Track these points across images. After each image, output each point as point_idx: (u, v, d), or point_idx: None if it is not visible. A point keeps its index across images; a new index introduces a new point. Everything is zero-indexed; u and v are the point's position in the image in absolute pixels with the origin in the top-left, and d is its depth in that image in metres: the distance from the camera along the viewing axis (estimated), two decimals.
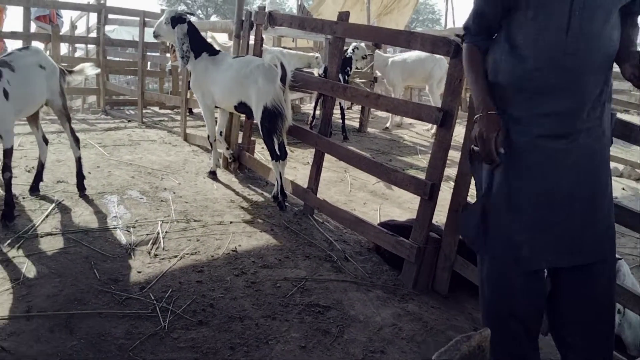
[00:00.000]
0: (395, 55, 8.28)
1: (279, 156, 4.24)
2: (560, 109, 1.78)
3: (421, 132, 8.48)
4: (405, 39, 3.47)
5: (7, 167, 3.37)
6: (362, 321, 2.74)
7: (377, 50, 8.28)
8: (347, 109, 10.40)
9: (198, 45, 4.54)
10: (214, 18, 53.09)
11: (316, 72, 5.93)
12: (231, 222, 3.87)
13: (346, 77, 6.74)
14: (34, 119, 3.95)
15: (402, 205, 4.80)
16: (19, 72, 3.43)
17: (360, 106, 8.21)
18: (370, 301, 2.97)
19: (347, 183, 5.25)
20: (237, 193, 4.55)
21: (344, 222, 3.86)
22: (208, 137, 4.88)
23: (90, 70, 4.22)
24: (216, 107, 4.74)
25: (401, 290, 3.13)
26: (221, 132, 4.89)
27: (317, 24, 4.24)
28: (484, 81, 1.91)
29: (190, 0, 52.55)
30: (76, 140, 4.06)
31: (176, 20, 4.47)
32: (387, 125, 8.47)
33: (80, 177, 4.05)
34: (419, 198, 3.22)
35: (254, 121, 4.42)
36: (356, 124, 8.24)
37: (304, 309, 2.80)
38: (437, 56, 7.99)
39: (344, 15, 3.94)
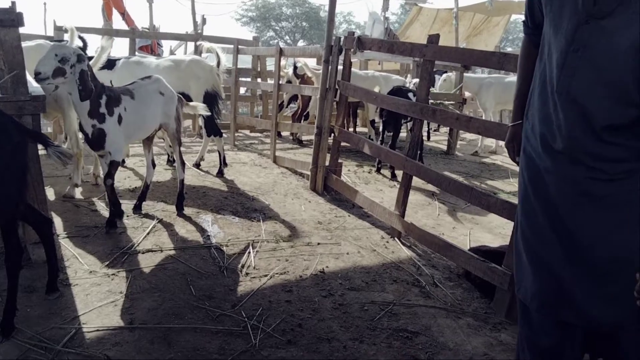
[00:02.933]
0: (490, 77, 8.07)
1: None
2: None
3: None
4: (498, 60, 3.38)
5: (110, 175, 3.66)
6: (452, 349, 2.66)
7: (465, 73, 8.14)
8: (434, 130, 10.26)
9: None
10: (300, 43, 54.60)
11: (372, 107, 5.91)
12: (318, 244, 3.91)
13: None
14: (148, 142, 4.25)
15: (493, 231, 4.63)
16: (139, 99, 3.74)
17: (447, 128, 8.05)
18: (461, 329, 2.88)
19: (435, 207, 5.15)
20: (324, 214, 4.60)
21: (432, 247, 3.78)
22: None
23: (203, 111, 4.51)
24: None
25: (493, 319, 3.01)
26: None
27: (407, 47, 4.25)
28: (521, 85, 1.90)
29: (279, 27, 54.50)
30: (182, 164, 4.31)
31: None
32: (477, 149, 8.25)
33: (180, 198, 4.28)
34: (511, 223, 3.09)
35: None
36: (444, 147, 8.10)
37: (392, 333, 2.76)
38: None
39: (434, 38, 3.92)
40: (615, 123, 1.50)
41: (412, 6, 14.80)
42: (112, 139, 3.53)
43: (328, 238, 4.06)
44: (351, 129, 8.26)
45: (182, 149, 4.31)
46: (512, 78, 8.23)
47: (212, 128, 5.38)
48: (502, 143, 8.41)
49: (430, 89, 6.81)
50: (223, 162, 5.46)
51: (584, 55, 1.50)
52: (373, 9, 12.43)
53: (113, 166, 3.67)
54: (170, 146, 5.66)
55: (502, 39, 19.15)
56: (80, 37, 5.94)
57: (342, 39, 4.93)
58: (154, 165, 4.37)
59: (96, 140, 3.49)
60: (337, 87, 5.05)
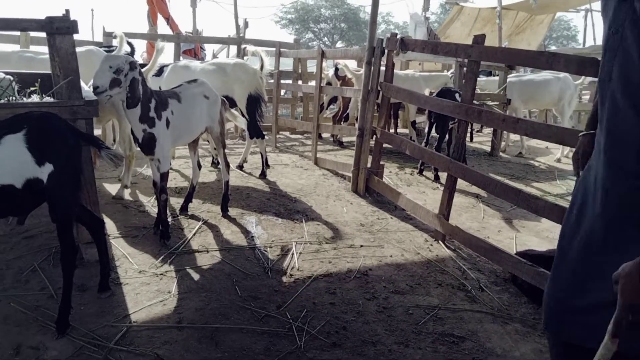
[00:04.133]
0: (510, 77, 7.91)
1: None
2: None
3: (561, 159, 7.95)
4: (547, 60, 3.30)
5: (163, 190, 3.72)
6: (500, 355, 2.61)
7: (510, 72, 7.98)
8: (477, 131, 10.09)
9: None
10: (339, 45, 54.57)
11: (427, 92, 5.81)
12: (361, 246, 3.90)
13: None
14: (193, 145, 4.33)
15: (540, 234, 4.52)
16: (185, 103, 3.81)
17: (491, 129, 7.90)
18: (508, 334, 2.82)
19: (480, 209, 5.06)
20: (366, 217, 4.59)
21: (478, 250, 3.72)
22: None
23: (242, 123, 4.75)
24: None
25: (542, 325, 2.92)
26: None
27: (451, 48, 4.19)
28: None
29: (317, 29, 54.67)
30: (227, 165, 4.37)
31: None
32: (521, 150, 8.07)
33: (225, 199, 4.34)
34: (559, 227, 3.00)
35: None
36: (487, 148, 7.96)
37: (437, 338, 2.73)
38: (562, 74, 7.52)
39: (479, 39, 3.86)
40: None
41: (453, 5, 14.57)
42: (162, 144, 3.59)
43: (371, 240, 4.05)
44: (392, 130, 8.20)
45: (225, 150, 4.38)
46: (531, 75, 8.01)
47: (255, 130, 5.45)
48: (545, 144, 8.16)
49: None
50: (265, 164, 5.53)
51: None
52: (414, 9, 12.31)
53: (163, 178, 3.70)
54: (214, 148, 5.76)
55: (545, 37, 18.66)
56: (129, 43, 6.13)
57: (384, 40, 4.91)
58: (199, 167, 4.45)
59: (147, 145, 3.57)
60: (379, 88, 5.02)
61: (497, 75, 8.55)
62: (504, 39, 14.77)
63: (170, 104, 3.70)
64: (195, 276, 3.24)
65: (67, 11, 3.63)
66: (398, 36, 4.80)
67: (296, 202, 4.79)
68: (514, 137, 9.06)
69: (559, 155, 7.74)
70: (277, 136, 7.64)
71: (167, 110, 3.65)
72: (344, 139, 8.06)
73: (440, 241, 4.10)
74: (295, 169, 5.99)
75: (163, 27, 9.65)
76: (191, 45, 9.68)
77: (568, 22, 44.01)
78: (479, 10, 13.94)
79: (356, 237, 4.10)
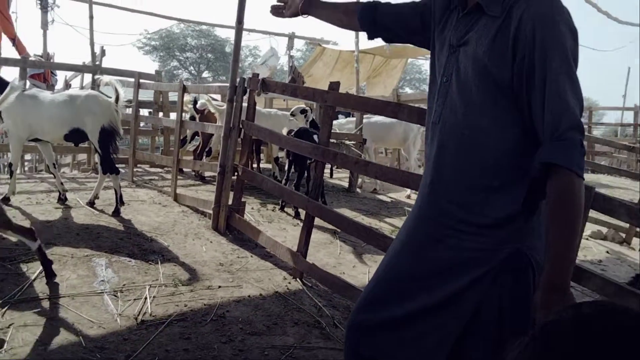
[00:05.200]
0: (367, 117, 8.55)
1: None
2: None
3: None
4: (392, 110, 3.60)
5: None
6: None
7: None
8: (337, 168, 10.52)
9: None
10: (205, 74, 54.11)
11: (285, 131, 6.00)
12: (219, 287, 3.85)
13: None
14: None
15: None
16: None
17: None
18: None
19: (337, 245, 5.27)
20: (226, 255, 4.54)
21: (333, 287, 3.86)
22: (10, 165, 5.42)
23: None
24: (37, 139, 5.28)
25: None
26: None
27: (309, 92, 4.39)
28: None
29: (183, 57, 53.70)
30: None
31: None
32: (376, 187, 8.58)
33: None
34: None
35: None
36: (346, 184, 8.35)
37: None
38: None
39: (334, 85, 4.09)
40: None
41: (316, 46, 15.26)
42: None
43: (229, 280, 4.01)
44: (255, 165, 8.26)
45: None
46: (379, 118, 8.63)
47: (109, 165, 5.16)
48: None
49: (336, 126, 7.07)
50: (120, 201, 5.24)
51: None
52: (278, 47, 12.69)
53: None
54: (62, 183, 5.36)
55: (401, 79, 20.24)
56: None
57: (246, 80, 4.99)
58: None
59: None
60: (241, 126, 5.07)
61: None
62: (362, 80, 15.77)
63: None
64: (34, 328, 2.95)
65: None
66: (260, 77, 4.92)
67: (152, 242, 4.60)
68: None
69: (409, 192, 8.36)
70: (135, 169, 7.31)
71: None
72: (207, 174, 7.95)
73: (298, 279, 4.18)
74: (152, 205, 5.77)
75: (8, 49, 8.83)
76: (40, 69, 8.97)
77: (420, 67, 48.23)
78: (340, 52, 14.74)
79: (214, 277, 4.04)
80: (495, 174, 1.52)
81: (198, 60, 53.19)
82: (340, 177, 9.51)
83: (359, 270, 4.68)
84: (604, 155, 15.85)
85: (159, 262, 4.14)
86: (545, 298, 1.34)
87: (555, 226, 1.37)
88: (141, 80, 7.13)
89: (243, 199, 5.31)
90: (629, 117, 16.63)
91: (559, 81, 1.38)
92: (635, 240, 7.24)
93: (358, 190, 8.38)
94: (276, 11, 2.10)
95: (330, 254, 5.00)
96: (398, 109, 3.53)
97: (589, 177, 12.32)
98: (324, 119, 4.18)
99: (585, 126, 16.72)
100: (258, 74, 4.96)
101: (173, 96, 9.55)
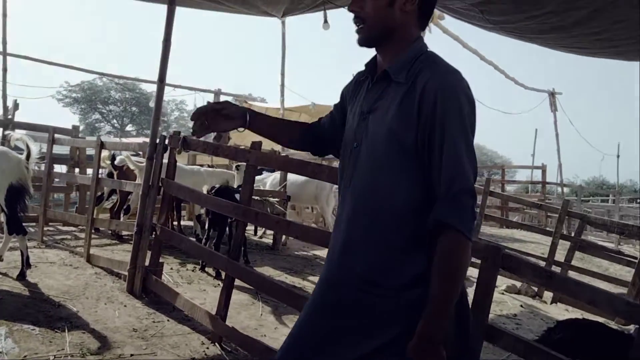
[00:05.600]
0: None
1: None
2: None
3: None
4: (312, 170, 3.66)
5: None
6: None
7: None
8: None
9: None
10: (129, 128, 52.94)
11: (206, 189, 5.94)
12: (132, 355, 3.63)
13: None
14: None
15: None
16: None
17: None
18: None
19: (259, 306, 5.15)
20: (140, 320, 4.31)
21: (253, 352, 3.74)
22: None
23: None
24: None
25: None
26: None
27: (231, 151, 4.40)
28: None
29: (106, 110, 52.40)
30: None
31: None
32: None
33: None
34: None
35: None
36: (270, 241, 8.28)
37: None
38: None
39: (256, 145, 4.12)
40: None
41: (242, 102, 15.41)
42: None
43: (143, 348, 3.79)
44: (175, 223, 8.04)
45: None
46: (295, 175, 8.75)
47: (15, 225, 4.84)
48: None
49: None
50: (26, 263, 4.90)
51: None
52: (204, 102, 12.70)
53: None
54: None
55: None
56: None
57: (167, 138, 4.92)
58: None
59: None
60: (160, 184, 4.95)
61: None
62: None
63: None
64: None
65: None
66: (181, 135, 4.87)
67: (60, 308, 4.30)
68: None
69: None
70: (46, 228, 6.89)
71: None
72: (124, 232, 7.63)
73: (217, 343, 4.03)
74: (63, 267, 5.42)
75: None
76: None
77: None
78: (267, 109, 14.97)
79: (127, 345, 3.81)
80: (404, 234, 1.58)
81: (122, 113, 52.05)
82: (264, 235, 9.42)
83: (281, 332, 4.57)
84: (517, 211, 16.82)
85: (66, 330, 3.86)
86: (417, 346, 1.44)
87: (437, 281, 1.47)
88: (56, 136, 6.84)
89: (162, 259, 5.13)
90: (537, 174, 17.85)
91: (456, 146, 1.50)
92: (547, 294, 7.63)
93: (282, 247, 8.33)
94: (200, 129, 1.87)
95: (252, 316, 4.87)
96: (318, 169, 3.59)
97: (504, 232, 13.02)
98: (246, 178, 4.17)
99: (499, 184, 17.86)
100: (180, 132, 4.92)
101: (90, 151, 9.22)
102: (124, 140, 12.16)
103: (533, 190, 20.07)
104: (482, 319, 2.63)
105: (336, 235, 1.73)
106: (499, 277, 8.40)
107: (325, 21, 7.19)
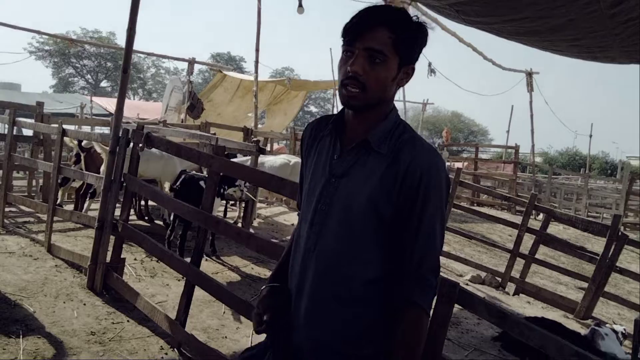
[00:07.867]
0: None
1: None
2: None
3: None
4: (276, 184, 3.60)
5: None
6: None
7: None
8: (231, 205, 10.35)
9: None
10: (104, 84, 51.59)
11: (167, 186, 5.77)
12: None
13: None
14: None
15: None
16: None
17: (242, 210, 8.19)
18: None
19: (221, 304, 5.14)
20: (99, 322, 4.27)
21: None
22: None
23: None
24: None
25: None
26: None
27: (194, 154, 4.29)
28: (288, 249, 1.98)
29: (80, 64, 50.87)
30: None
31: None
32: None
33: None
34: None
35: None
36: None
37: None
38: (292, 161, 8.25)
39: (219, 150, 4.04)
40: None
41: (217, 72, 15.08)
42: None
43: (100, 354, 3.77)
44: (143, 203, 7.90)
45: None
46: (267, 160, 8.52)
47: None
48: None
49: None
50: None
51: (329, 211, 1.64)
52: (178, 72, 12.42)
53: None
54: None
55: (301, 107, 20.53)
56: None
57: (130, 132, 4.78)
58: None
59: None
60: (122, 180, 4.84)
61: None
62: (262, 107, 15.81)
63: None
64: None
65: None
66: (144, 131, 4.74)
67: (15, 308, 4.22)
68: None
69: None
70: (8, 209, 6.73)
71: None
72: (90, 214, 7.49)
73: (176, 349, 4.03)
74: (22, 258, 5.32)
75: None
76: None
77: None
78: (241, 81, 14.70)
79: (83, 351, 3.78)
80: (373, 305, 1.62)
81: (96, 68, 50.63)
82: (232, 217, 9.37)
83: (242, 333, 4.59)
84: (488, 178, 17.31)
85: (21, 335, 3.81)
86: None
87: (401, 353, 1.54)
88: (17, 119, 6.58)
89: (127, 248, 5.05)
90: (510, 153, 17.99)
91: (433, 226, 1.57)
92: (510, 285, 7.81)
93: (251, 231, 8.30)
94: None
95: (214, 314, 4.87)
96: (281, 184, 3.53)
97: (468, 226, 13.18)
98: (209, 183, 4.09)
99: (473, 148, 18.13)
100: (143, 126, 4.77)
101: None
102: (85, 129, 11.83)
103: (506, 156, 20.08)
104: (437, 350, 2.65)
105: (296, 305, 1.70)
106: (464, 265, 8.47)
107: (300, 5, 6.99)
